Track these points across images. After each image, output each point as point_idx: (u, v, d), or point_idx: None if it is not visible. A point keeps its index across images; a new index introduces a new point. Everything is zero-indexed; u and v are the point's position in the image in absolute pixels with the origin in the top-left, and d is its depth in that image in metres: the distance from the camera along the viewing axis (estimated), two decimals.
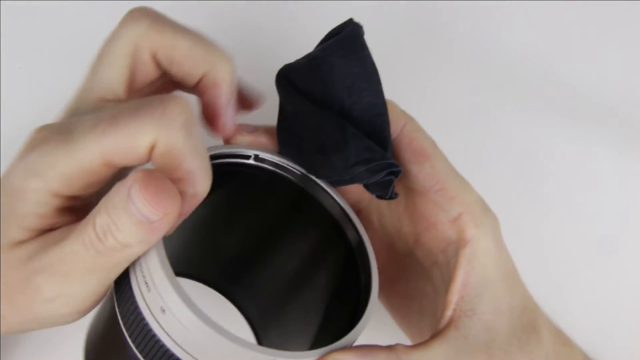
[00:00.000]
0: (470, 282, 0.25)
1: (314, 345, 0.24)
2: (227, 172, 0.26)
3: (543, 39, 0.35)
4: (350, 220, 0.27)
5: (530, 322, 0.26)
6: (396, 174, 0.25)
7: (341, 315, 0.27)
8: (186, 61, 0.24)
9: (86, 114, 0.23)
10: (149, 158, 0.20)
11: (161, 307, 0.20)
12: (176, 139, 0.20)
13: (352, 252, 0.27)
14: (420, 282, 0.29)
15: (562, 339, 0.28)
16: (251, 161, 0.26)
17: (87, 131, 0.20)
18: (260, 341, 0.31)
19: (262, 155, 0.26)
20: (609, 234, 0.33)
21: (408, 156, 0.26)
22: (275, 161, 0.27)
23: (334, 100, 0.25)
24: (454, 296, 0.25)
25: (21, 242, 0.22)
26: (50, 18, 0.38)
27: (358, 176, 0.24)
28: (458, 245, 0.25)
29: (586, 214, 0.34)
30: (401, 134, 0.26)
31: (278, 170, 0.27)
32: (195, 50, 0.24)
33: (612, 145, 0.34)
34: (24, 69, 0.38)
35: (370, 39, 0.36)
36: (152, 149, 0.20)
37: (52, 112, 0.39)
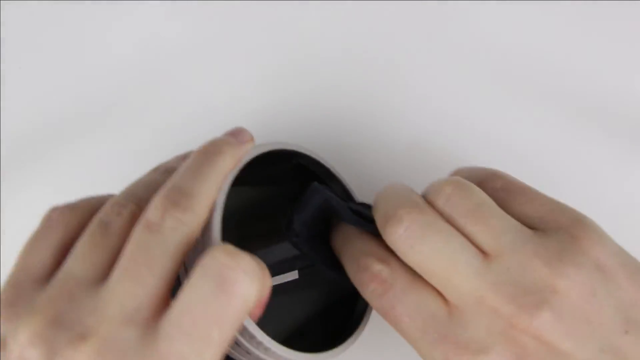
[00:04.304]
0: None
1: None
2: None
3: (545, 38, 0.35)
4: None
5: None
6: None
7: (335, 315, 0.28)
8: None
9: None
10: None
11: None
12: (266, 277, 0.21)
13: None
14: None
15: None
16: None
17: (209, 345, 0.19)
18: None
19: None
20: (608, 233, 0.34)
21: None
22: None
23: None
24: None
25: None
26: (50, 18, 0.38)
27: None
28: None
29: (586, 213, 0.34)
30: None
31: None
32: None
33: (612, 145, 0.34)
34: (24, 69, 0.38)
35: (374, 38, 0.36)
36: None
37: (52, 112, 0.39)
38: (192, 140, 0.37)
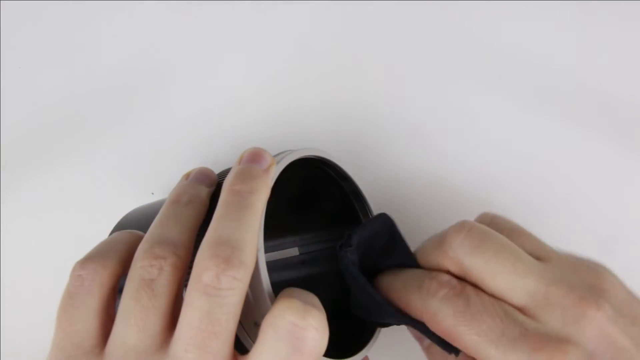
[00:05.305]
0: None
1: None
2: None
3: (545, 37, 0.35)
4: None
5: None
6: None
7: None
8: None
9: None
10: None
11: None
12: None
13: None
14: None
15: None
16: None
17: None
18: None
19: None
20: (608, 234, 0.34)
21: None
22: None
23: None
24: None
25: None
26: (50, 18, 0.38)
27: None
28: None
29: (585, 214, 0.34)
30: None
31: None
32: None
33: (612, 145, 0.34)
34: (24, 69, 0.38)
35: (375, 37, 0.36)
36: None
37: (52, 111, 0.39)
38: (191, 140, 0.37)
